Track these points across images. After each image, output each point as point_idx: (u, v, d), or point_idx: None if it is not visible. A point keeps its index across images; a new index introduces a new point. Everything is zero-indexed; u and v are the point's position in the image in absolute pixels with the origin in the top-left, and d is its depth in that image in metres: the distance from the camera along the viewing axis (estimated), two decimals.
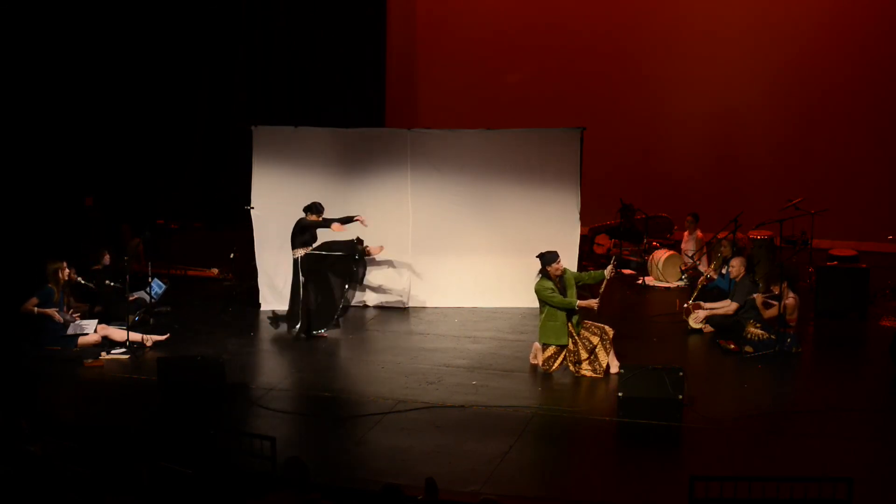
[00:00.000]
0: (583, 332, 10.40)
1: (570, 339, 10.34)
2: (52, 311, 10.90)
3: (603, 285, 10.59)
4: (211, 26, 16.96)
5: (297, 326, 11.55)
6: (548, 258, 10.35)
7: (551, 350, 10.36)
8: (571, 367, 10.35)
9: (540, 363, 10.45)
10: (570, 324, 10.34)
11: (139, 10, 15.79)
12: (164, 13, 16.19)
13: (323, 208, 11.64)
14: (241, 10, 17.14)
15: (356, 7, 17.74)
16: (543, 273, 10.36)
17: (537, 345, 10.59)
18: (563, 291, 10.36)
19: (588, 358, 10.34)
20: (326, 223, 11.61)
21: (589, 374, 10.30)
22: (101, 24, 15.14)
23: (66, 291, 11.27)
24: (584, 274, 10.76)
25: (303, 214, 11.68)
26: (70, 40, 14.57)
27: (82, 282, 11.38)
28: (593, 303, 10.49)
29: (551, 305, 10.29)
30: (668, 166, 16.93)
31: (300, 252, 11.57)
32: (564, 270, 10.45)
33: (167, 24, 16.28)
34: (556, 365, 10.38)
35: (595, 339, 10.37)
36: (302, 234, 11.57)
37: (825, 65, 16.25)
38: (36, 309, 10.86)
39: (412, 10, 18.14)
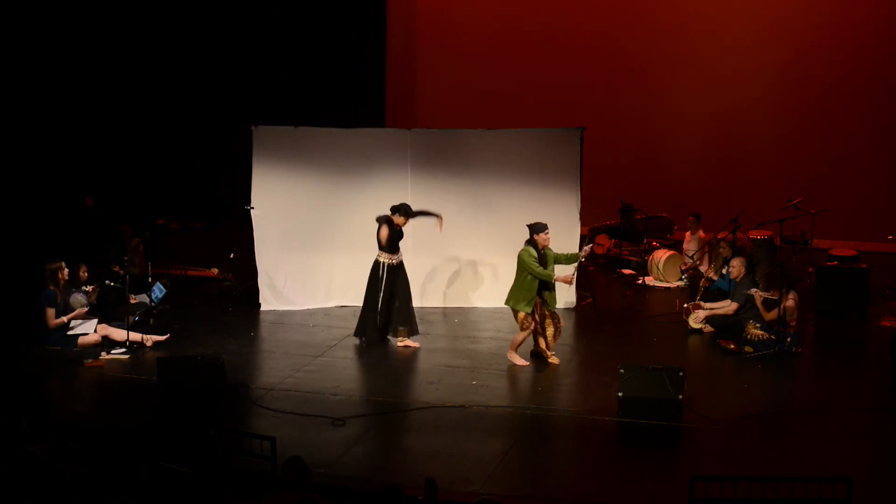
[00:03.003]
0: (547, 313, 10.66)
1: (537, 313, 10.62)
2: (77, 312, 10.93)
3: (575, 266, 10.70)
4: (211, 26, 16.97)
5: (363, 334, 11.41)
6: (537, 227, 10.58)
7: (522, 315, 10.57)
8: (541, 336, 10.68)
9: (520, 326, 10.65)
10: (539, 299, 10.57)
11: (139, 9, 15.79)
12: (164, 13, 16.20)
13: (411, 210, 11.28)
14: (241, 10, 17.15)
15: (356, 7, 17.75)
16: (531, 241, 10.55)
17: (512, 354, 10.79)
18: (543, 265, 10.54)
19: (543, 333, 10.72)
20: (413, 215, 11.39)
21: (542, 346, 10.73)
22: (101, 24, 15.14)
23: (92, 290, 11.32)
24: (560, 254, 10.85)
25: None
26: (70, 40, 14.57)
27: (82, 281, 11.38)
28: (569, 277, 10.86)
29: (531, 273, 10.44)
30: (668, 166, 16.94)
31: (382, 257, 11.26)
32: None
33: (168, 24, 16.29)
34: (531, 325, 10.64)
35: (550, 330, 10.73)
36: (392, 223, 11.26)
37: (825, 65, 16.26)
38: (65, 318, 10.87)
39: (412, 10, 18.16)
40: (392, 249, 11.23)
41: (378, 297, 11.20)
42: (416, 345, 11.31)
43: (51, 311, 10.83)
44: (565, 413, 9.40)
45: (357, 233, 12.66)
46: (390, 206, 11.30)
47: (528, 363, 10.72)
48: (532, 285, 10.48)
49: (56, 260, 11.04)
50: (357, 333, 11.42)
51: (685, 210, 15.04)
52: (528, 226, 10.60)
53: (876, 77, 16.13)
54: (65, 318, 10.88)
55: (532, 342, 10.86)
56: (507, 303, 10.69)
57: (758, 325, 11.14)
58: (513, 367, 10.65)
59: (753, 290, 11.27)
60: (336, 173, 12.71)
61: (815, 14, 16.29)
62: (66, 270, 11.05)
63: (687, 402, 9.20)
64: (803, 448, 8.69)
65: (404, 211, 11.23)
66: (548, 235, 10.56)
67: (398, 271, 11.30)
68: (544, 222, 10.61)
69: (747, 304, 11.38)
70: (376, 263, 11.22)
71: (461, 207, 12.80)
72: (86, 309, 11.00)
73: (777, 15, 16.39)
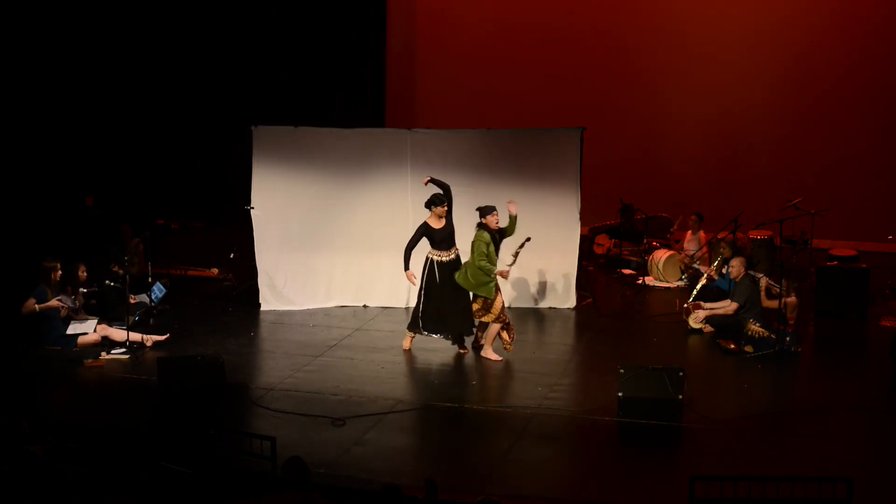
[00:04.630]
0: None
1: (500, 294, 10.72)
2: (53, 302, 10.88)
3: (514, 254, 10.77)
4: (211, 26, 16.97)
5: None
6: (484, 210, 10.66)
7: (497, 304, 10.64)
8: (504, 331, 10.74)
9: (495, 316, 10.67)
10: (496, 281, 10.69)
11: (139, 9, 15.78)
12: (164, 13, 16.19)
13: (441, 199, 10.81)
14: (241, 10, 17.15)
15: (356, 7, 17.76)
16: (481, 225, 10.64)
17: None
18: (497, 247, 10.69)
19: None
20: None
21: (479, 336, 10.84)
22: (101, 24, 15.13)
23: (70, 291, 11.27)
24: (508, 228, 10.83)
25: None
26: (70, 40, 14.56)
27: (81, 281, 11.37)
28: (506, 271, 10.74)
29: (473, 258, 10.51)
30: (668, 166, 16.94)
31: (431, 253, 10.94)
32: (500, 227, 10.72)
33: (168, 24, 16.28)
34: (505, 316, 10.69)
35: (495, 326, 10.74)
36: (422, 234, 10.91)
37: (825, 65, 16.26)
38: (37, 307, 10.85)
39: (412, 10, 18.16)
40: (440, 247, 10.90)
41: (420, 291, 11.00)
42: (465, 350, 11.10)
43: (32, 300, 10.83)
44: (565, 413, 9.39)
45: (357, 233, 12.68)
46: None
47: (501, 358, 10.75)
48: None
49: (53, 260, 11.04)
50: (412, 328, 11.17)
51: (685, 210, 15.03)
52: (477, 209, 10.66)
53: (876, 77, 16.13)
54: (37, 307, 10.83)
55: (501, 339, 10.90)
56: (470, 289, 10.66)
57: (758, 322, 11.15)
58: (512, 368, 10.65)
59: (760, 275, 11.33)
60: (336, 173, 12.70)
61: (815, 14, 16.29)
62: (60, 273, 11.04)
63: (687, 402, 9.19)
64: (803, 448, 8.69)
65: (437, 201, 10.87)
66: (496, 217, 10.63)
67: (449, 269, 10.94)
68: (492, 205, 10.69)
69: (747, 304, 11.39)
70: (425, 259, 11.01)
71: (461, 207, 12.75)
72: (62, 306, 10.95)
73: (777, 15, 16.39)
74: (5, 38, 13.57)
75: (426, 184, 11.08)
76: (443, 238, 10.91)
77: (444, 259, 10.92)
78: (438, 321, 10.95)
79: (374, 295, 12.83)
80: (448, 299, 10.89)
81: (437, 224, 10.93)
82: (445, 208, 10.89)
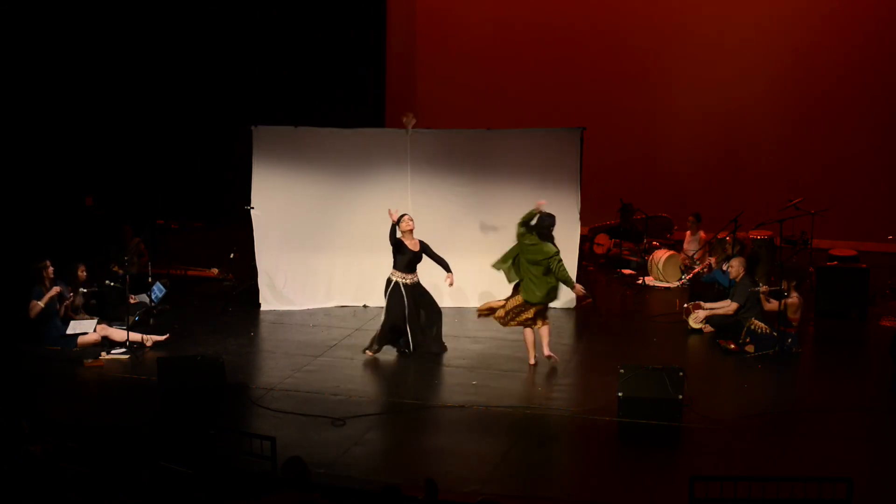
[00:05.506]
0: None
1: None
2: (53, 290, 10.88)
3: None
4: (211, 26, 16.97)
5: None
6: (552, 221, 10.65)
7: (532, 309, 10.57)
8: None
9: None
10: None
11: (139, 9, 15.79)
12: (164, 13, 16.20)
13: (397, 221, 10.81)
14: (241, 10, 17.16)
15: (356, 7, 17.77)
16: (549, 237, 10.59)
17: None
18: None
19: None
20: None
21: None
22: (101, 24, 15.13)
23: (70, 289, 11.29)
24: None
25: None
26: (70, 40, 14.56)
27: (81, 281, 11.38)
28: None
29: (555, 270, 10.45)
30: (668, 166, 16.95)
31: (395, 275, 10.92)
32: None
33: (168, 24, 16.29)
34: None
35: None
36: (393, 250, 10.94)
37: (825, 65, 16.28)
38: (42, 302, 10.86)
39: (412, 10, 18.17)
40: (406, 269, 10.92)
41: (403, 312, 10.90)
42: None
43: (33, 301, 10.86)
44: (565, 413, 9.39)
45: (357, 233, 12.68)
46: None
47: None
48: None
49: (40, 259, 11.05)
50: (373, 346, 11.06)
51: (685, 210, 15.04)
52: (549, 217, 10.62)
53: (876, 77, 16.14)
54: (41, 303, 10.84)
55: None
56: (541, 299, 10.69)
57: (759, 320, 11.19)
58: (513, 368, 10.65)
59: (761, 286, 11.36)
60: (336, 173, 12.71)
61: (815, 14, 16.31)
62: (51, 269, 11.05)
63: (687, 402, 9.19)
64: (803, 448, 8.69)
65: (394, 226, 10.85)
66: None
67: (417, 290, 11.00)
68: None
69: (747, 304, 11.39)
70: (388, 280, 10.99)
71: (461, 207, 12.81)
72: (61, 289, 10.97)
73: (777, 15, 16.41)
74: (5, 39, 13.57)
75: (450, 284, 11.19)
76: (413, 259, 10.93)
77: (408, 281, 10.94)
78: (418, 335, 10.97)
79: (374, 295, 12.79)
80: (427, 314, 11.02)
81: (411, 244, 10.94)
82: (411, 227, 10.88)
